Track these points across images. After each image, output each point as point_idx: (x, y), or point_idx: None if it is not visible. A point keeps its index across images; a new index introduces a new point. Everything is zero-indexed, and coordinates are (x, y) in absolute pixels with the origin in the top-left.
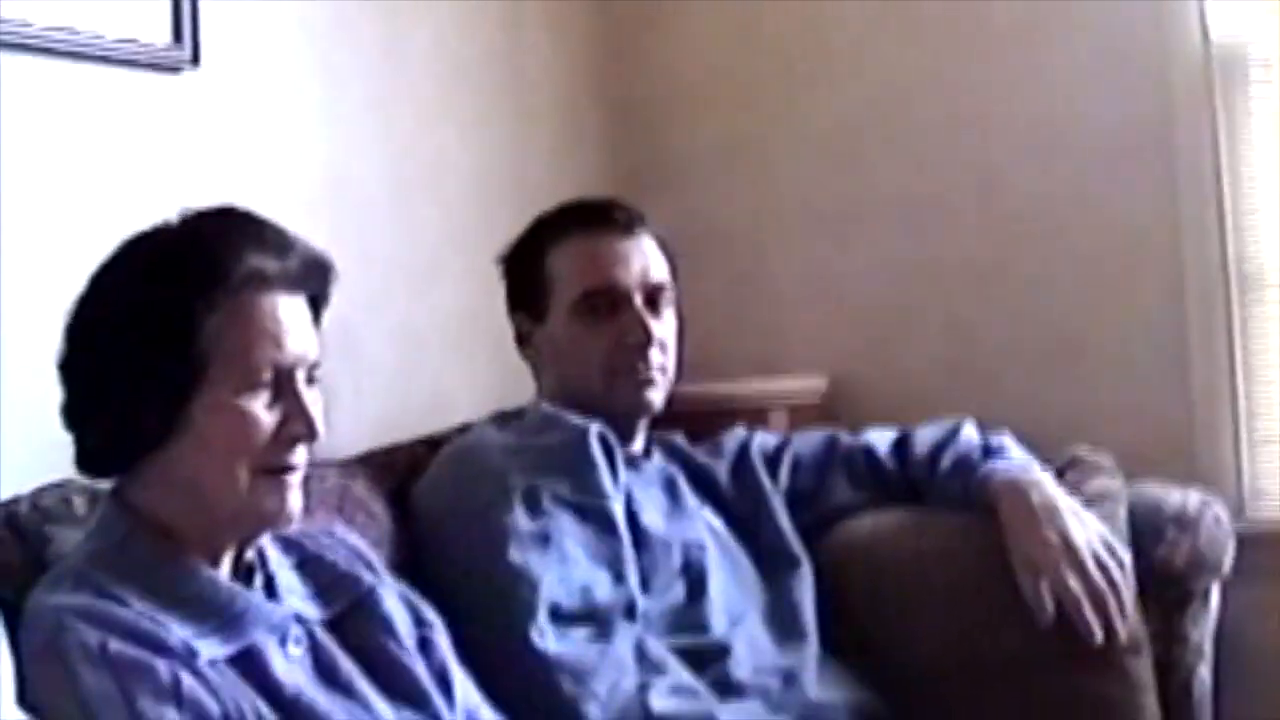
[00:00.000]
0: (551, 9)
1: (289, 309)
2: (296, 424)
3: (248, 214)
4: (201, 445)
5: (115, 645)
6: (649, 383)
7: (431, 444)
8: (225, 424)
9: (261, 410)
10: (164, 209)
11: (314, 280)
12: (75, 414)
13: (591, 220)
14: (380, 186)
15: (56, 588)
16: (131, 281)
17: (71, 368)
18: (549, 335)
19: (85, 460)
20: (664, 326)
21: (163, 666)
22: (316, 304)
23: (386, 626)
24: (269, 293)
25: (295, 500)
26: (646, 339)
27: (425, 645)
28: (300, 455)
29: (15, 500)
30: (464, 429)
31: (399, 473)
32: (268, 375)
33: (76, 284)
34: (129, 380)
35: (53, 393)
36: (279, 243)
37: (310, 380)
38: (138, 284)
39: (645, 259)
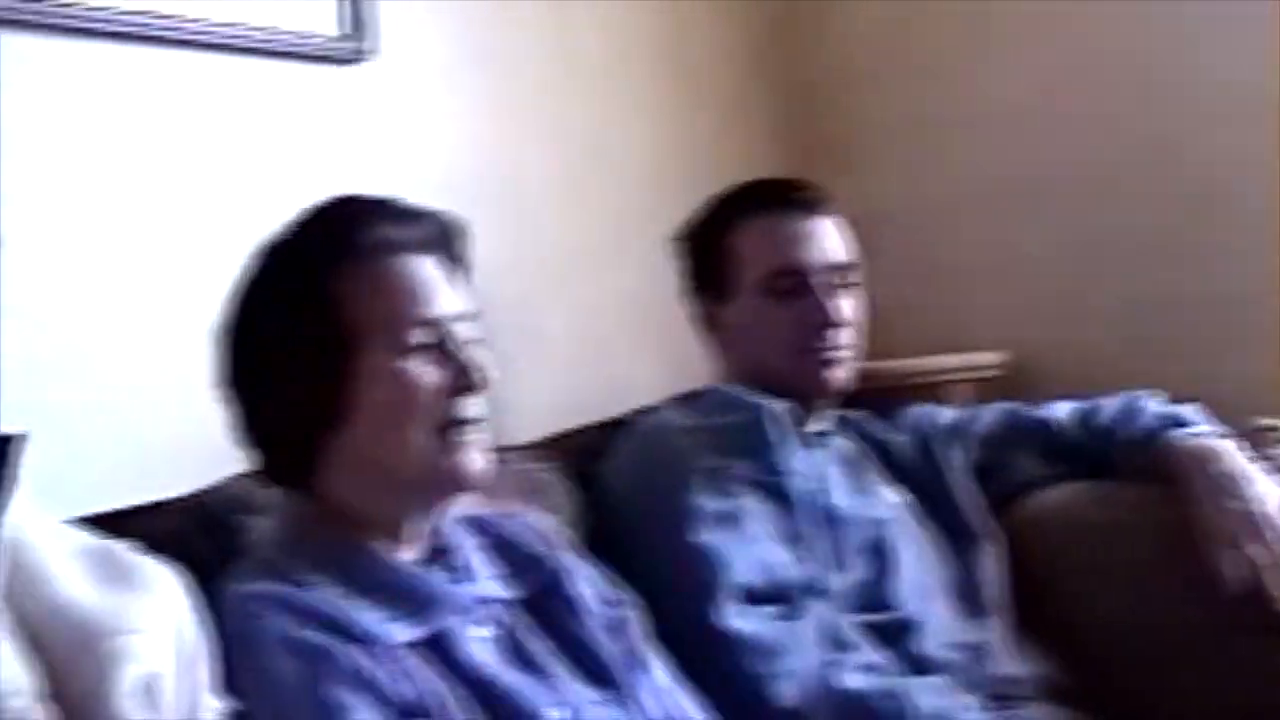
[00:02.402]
0: None
1: (426, 269)
2: (461, 376)
3: (370, 195)
4: (372, 418)
5: (304, 632)
6: (835, 362)
7: (613, 426)
8: (388, 389)
9: (422, 369)
10: None
11: (447, 241)
12: (247, 425)
13: (777, 200)
14: (553, 172)
15: (246, 576)
16: (266, 279)
17: (233, 380)
18: (732, 316)
19: (270, 470)
20: (850, 306)
21: (349, 653)
22: (456, 265)
23: (577, 607)
24: (401, 255)
25: (479, 456)
26: (834, 319)
27: (617, 625)
28: (473, 408)
29: (205, 491)
30: (645, 411)
31: (581, 456)
32: (419, 334)
33: None
34: (288, 372)
35: None
36: (404, 212)
37: (472, 341)
38: (272, 279)
39: (831, 239)
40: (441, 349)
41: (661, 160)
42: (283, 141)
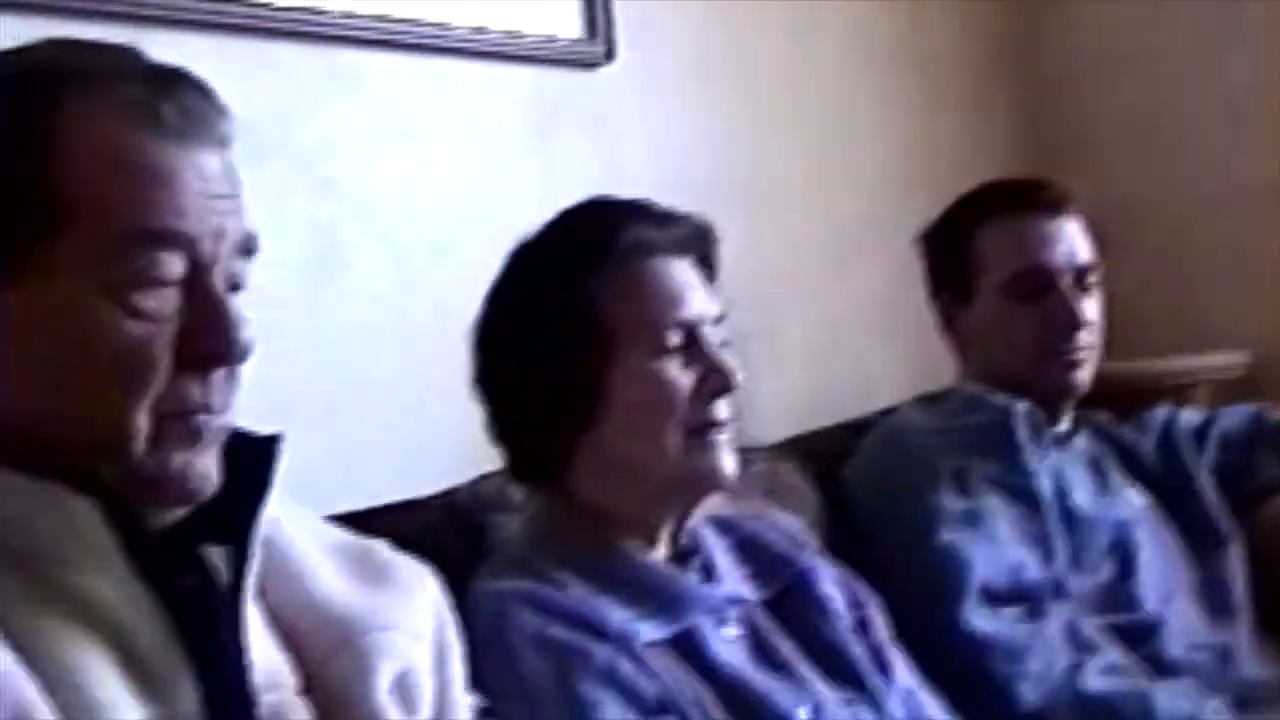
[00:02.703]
0: None
1: (680, 270)
2: (713, 378)
3: (623, 198)
4: (625, 418)
5: (554, 630)
6: (1077, 364)
7: (856, 427)
8: (644, 390)
9: (676, 371)
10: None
11: (699, 243)
12: (501, 423)
13: (1020, 201)
14: (793, 172)
15: (497, 574)
16: (523, 280)
17: (488, 378)
18: (975, 316)
19: (521, 467)
20: (1092, 307)
21: (599, 651)
22: (706, 268)
23: (823, 607)
24: (657, 257)
25: (728, 459)
26: (1077, 321)
27: (862, 626)
28: (724, 410)
29: (455, 490)
30: (889, 412)
31: (825, 456)
32: (674, 337)
33: None
34: (543, 372)
35: None
36: (658, 215)
37: (722, 343)
38: (529, 280)
39: (1073, 239)
40: (693, 350)
41: (903, 159)
42: (528, 144)
